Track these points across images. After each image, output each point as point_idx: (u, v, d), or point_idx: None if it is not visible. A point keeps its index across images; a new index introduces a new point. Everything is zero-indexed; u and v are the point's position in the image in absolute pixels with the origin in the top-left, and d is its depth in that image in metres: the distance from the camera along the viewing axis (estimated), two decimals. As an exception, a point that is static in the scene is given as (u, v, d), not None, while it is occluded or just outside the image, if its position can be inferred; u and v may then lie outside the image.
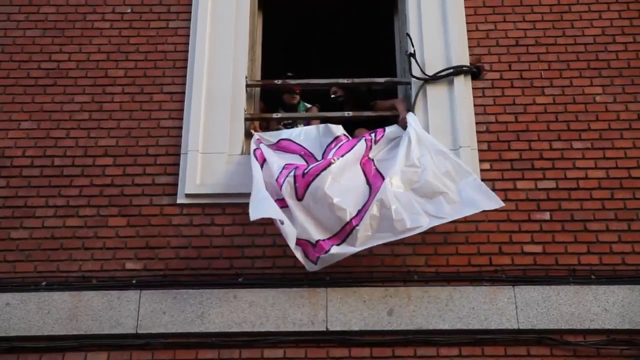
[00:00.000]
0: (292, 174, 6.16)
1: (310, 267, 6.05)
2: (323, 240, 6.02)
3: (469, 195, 6.13)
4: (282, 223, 5.89)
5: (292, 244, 5.92)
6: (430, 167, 6.24)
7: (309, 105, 7.56)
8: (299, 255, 6.01)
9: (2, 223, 6.46)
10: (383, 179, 6.20)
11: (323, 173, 6.12)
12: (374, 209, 6.01)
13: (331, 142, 6.53)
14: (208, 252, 6.35)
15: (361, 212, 6.04)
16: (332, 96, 7.44)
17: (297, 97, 7.52)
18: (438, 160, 6.30)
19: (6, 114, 6.85)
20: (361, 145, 6.42)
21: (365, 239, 6.00)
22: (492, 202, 6.11)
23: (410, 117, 6.60)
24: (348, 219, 6.00)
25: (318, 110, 7.60)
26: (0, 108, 6.88)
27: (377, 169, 6.36)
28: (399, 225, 5.98)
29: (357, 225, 5.99)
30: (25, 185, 6.59)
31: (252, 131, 6.80)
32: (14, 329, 6.06)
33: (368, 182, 6.28)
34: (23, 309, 6.12)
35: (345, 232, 6.02)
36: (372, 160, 6.47)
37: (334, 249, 5.97)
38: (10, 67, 7.03)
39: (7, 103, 6.90)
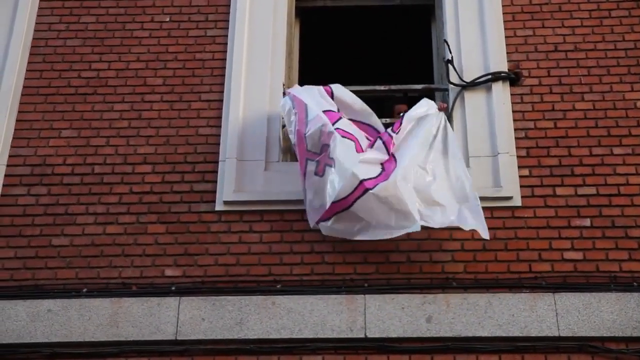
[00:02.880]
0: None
1: (313, 226, 6.14)
2: (338, 201, 5.97)
3: (465, 216, 6.03)
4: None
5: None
6: (438, 178, 6.16)
7: None
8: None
9: (43, 230, 6.53)
10: (395, 161, 6.16)
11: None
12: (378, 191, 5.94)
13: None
14: (246, 258, 6.37)
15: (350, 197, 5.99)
16: (400, 115, 7.27)
17: None
18: (453, 172, 6.20)
19: (47, 123, 6.94)
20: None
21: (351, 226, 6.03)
22: (482, 231, 6.00)
23: (444, 119, 6.49)
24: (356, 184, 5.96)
25: None
26: (42, 117, 6.96)
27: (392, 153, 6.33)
28: (393, 217, 5.94)
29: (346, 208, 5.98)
30: (66, 192, 6.66)
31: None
32: (56, 335, 6.11)
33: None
34: (64, 315, 6.17)
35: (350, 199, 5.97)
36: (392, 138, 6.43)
37: (334, 221, 6.00)
38: (51, 76, 7.12)
39: (48, 112, 6.98)
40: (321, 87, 6.63)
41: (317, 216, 6.10)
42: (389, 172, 6.08)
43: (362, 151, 6.22)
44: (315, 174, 6.13)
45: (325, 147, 6.15)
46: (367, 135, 6.47)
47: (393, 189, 5.94)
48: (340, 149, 6.06)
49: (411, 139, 6.35)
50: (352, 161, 6.03)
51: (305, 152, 6.24)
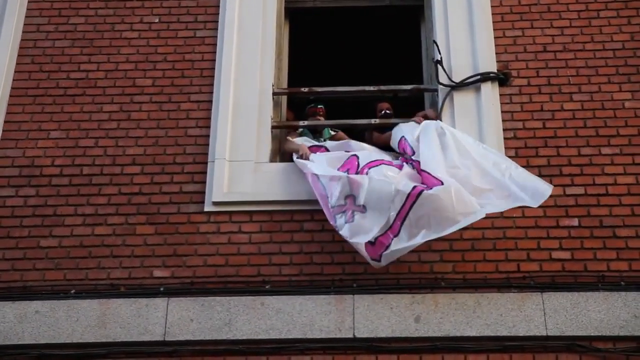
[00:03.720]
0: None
1: (375, 264, 5.98)
2: (381, 235, 5.94)
3: (518, 189, 5.99)
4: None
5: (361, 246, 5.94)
6: (473, 168, 6.16)
7: (333, 133, 7.47)
8: (363, 253, 5.95)
9: (31, 231, 6.52)
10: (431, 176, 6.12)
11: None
12: (423, 202, 5.89)
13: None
14: (235, 259, 6.36)
15: (405, 207, 5.95)
16: (382, 113, 7.30)
17: (322, 118, 7.41)
18: (479, 157, 6.22)
19: (36, 124, 6.93)
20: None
21: (414, 234, 5.92)
22: (542, 189, 5.95)
23: (440, 124, 6.55)
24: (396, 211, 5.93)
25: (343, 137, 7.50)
26: (30, 118, 6.96)
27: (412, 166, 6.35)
28: (453, 210, 5.85)
29: (404, 219, 5.92)
30: (55, 194, 6.65)
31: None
32: (43, 336, 6.10)
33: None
34: (52, 316, 6.16)
35: (397, 226, 5.93)
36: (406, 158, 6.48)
37: (394, 244, 5.89)
38: (39, 77, 7.12)
39: (36, 113, 6.97)
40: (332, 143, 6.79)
41: (380, 248, 5.98)
42: (435, 182, 6.02)
43: (397, 167, 6.30)
44: (346, 222, 6.05)
45: (349, 198, 6.13)
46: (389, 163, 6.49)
47: (448, 190, 5.88)
48: (377, 182, 6.07)
49: (426, 149, 6.34)
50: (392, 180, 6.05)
51: (329, 210, 6.17)
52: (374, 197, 6.02)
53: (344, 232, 6.00)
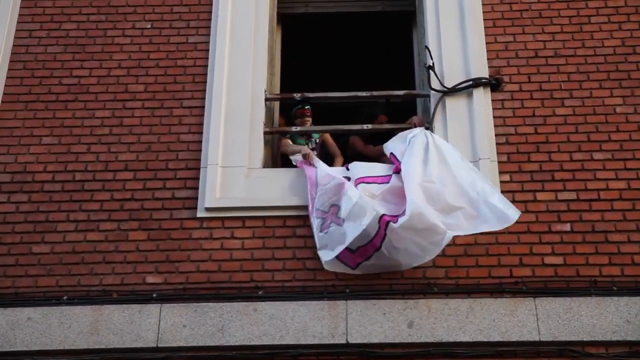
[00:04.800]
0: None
1: (348, 270, 6.16)
2: (363, 245, 6.03)
3: (488, 211, 6.07)
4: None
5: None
6: (449, 184, 6.21)
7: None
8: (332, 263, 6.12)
9: (23, 238, 6.50)
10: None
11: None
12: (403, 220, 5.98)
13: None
14: (228, 265, 6.36)
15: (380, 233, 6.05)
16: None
17: (309, 120, 7.43)
18: (459, 174, 6.27)
19: (28, 130, 6.91)
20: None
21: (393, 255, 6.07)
22: (510, 214, 6.03)
23: (429, 134, 6.57)
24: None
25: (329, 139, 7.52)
26: (22, 124, 6.94)
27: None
28: (423, 239, 5.98)
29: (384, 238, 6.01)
30: (47, 200, 6.64)
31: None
32: (36, 343, 6.08)
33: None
34: (45, 323, 6.15)
35: (380, 237, 6.01)
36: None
37: (375, 257, 6.05)
38: (31, 83, 7.10)
39: (28, 119, 6.96)
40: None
41: (351, 261, 6.15)
42: (403, 206, 6.10)
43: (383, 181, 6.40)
44: (321, 231, 6.20)
45: (333, 208, 6.23)
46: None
47: (415, 218, 5.94)
48: (354, 193, 6.19)
49: (408, 160, 6.38)
50: (369, 201, 6.15)
51: (315, 210, 6.32)
52: (355, 213, 6.08)
53: (316, 239, 6.17)
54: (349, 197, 6.16)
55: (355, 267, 6.14)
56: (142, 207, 6.59)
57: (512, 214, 6.05)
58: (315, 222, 6.26)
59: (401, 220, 5.94)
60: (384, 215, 6.01)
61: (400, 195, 6.20)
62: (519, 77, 6.97)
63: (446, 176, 6.26)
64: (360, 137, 7.39)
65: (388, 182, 6.37)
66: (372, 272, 6.18)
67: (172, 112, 6.96)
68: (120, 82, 7.09)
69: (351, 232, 6.01)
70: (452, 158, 6.39)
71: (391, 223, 5.94)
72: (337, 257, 6.08)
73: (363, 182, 6.36)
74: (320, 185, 6.39)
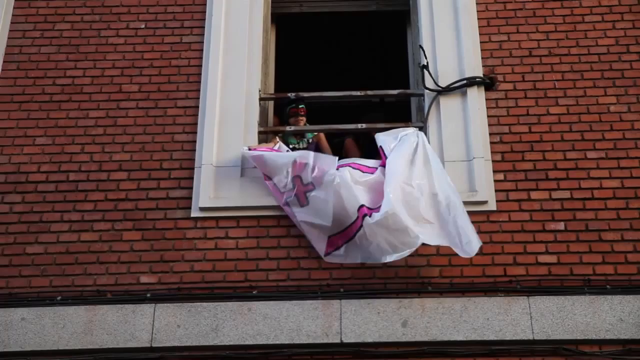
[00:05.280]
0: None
1: (325, 257, 6.24)
2: (336, 234, 6.14)
3: (455, 231, 6.06)
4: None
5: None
6: (425, 195, 6.21)
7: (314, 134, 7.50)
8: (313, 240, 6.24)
9: (17, 238, 6.49)
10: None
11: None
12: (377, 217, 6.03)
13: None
14: (222, 265, 6.36)
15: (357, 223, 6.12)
16: None
17: (303, 119, 7.44)
18: (437, 183, 6.27)
19: (21, 130, 6.90)
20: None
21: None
22: (474, 243, 6.00)
23: (420, 136, 6.57)
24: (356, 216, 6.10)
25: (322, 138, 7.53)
26: (16, 124, 6.93)
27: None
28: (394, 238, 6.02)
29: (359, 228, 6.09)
30: (41, 200, 6.63)
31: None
32: (29, 343, 6.07)
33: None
34: (38, 323, 6.14)
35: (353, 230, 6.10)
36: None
37: (343, 249, 6.15)
38: (25, 83, 7.09)
39: (22, 119, 6.95)
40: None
41: (324, 247, 6.24)
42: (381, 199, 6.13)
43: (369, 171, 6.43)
44: (301, 206, 6.24)
45: (296, 179, 6.33)
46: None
47: (389, 219, 5.98)
48: (325, 161, 6.32)
49: (395, 158, 6.39)
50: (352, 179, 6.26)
51: (282, 198, 6.40)
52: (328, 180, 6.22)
53: (300, 215, 6.24)
54: (307, 162, 6.34)
55: (325, 255, 6.22)
56: (136, 207, 6.59)
57: (476, 244, 6.00)
58: (292, 207, 6.33)
59: (376, 216, 5.98)
60: (362, 205, 6.06)
61: (380, 190, 6.21)
62: (513, 76, 6.97)
63: (425, 186, 6.26)
64: (354, 142, 7.41)
65: (372, 174, 6.37)
66: (339, 262, 6.22)
67: (166, 112, 6.96)
68: (114, 82, 7.08)
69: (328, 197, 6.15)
70: (436, 165, 6.38)
71: (367, 217, 5.99)
72: (313, 240, 6.23)
73: (349, 167, 6.37)
74: (275, 173, 6.47)
